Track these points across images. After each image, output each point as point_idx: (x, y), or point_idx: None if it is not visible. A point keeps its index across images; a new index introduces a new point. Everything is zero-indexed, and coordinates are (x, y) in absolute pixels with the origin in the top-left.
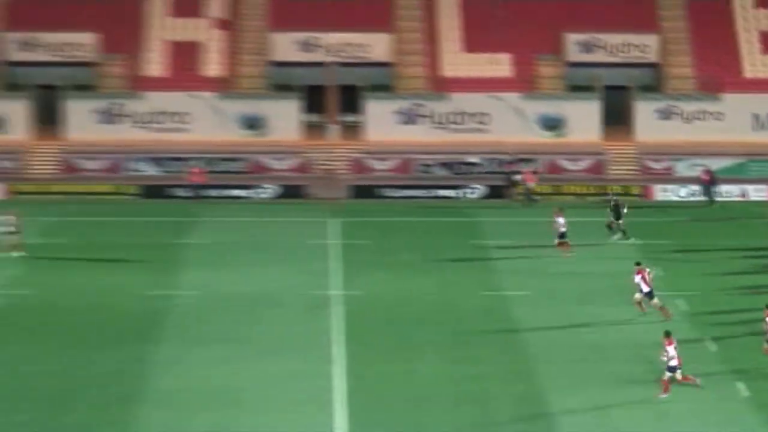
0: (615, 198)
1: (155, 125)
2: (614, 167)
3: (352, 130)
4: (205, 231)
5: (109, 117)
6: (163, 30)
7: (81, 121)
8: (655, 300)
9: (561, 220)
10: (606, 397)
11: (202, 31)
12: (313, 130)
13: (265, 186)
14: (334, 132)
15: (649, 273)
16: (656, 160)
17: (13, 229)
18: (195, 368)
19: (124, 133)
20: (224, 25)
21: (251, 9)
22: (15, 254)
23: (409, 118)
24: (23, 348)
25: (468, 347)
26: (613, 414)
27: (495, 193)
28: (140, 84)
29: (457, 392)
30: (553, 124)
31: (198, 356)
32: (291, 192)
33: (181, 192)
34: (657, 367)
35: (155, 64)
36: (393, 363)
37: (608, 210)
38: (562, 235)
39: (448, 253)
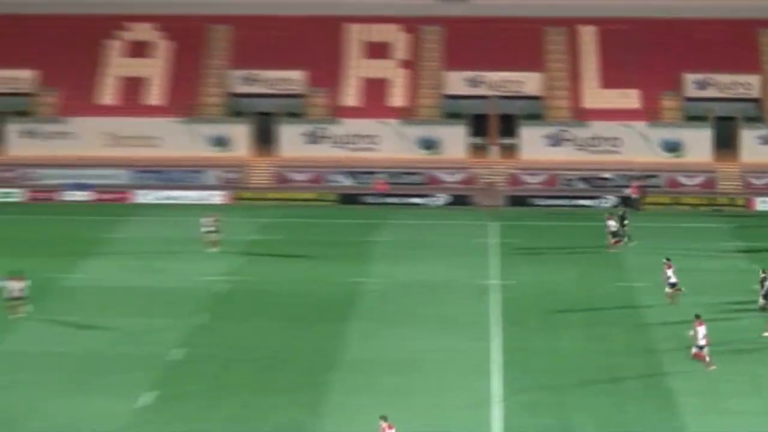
0: (623, 210)
1: (350, 145)
2: (723, 183)
3: (509, 151)
4: (390, 231)
5: (314, 138)
6: (358, 69)
7: (291, 141)
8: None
9: (611, 222)
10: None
11: (389, 69)
12: (477, 150)
13: (438, 195)
14: (494, 152)
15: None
16: (757, 178)
17: (212, 228)
18: (382, 341)
19: (326, 152)
20: (407, 65)
21: (429, 52)
22: (214, 250)
23: (556, 141)
24: (244, 324)
25: (601, 327)
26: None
27: (624, 203)
28: (339, 112)
29: (591, 364)
30: (673, 147)
31: (384, 332)
32: (458, 200)
33: (370, 199)
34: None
35: (351, 96)
36: (540, 340)
37: (616, 219)
38: (614, 234)
39: (586, 251)
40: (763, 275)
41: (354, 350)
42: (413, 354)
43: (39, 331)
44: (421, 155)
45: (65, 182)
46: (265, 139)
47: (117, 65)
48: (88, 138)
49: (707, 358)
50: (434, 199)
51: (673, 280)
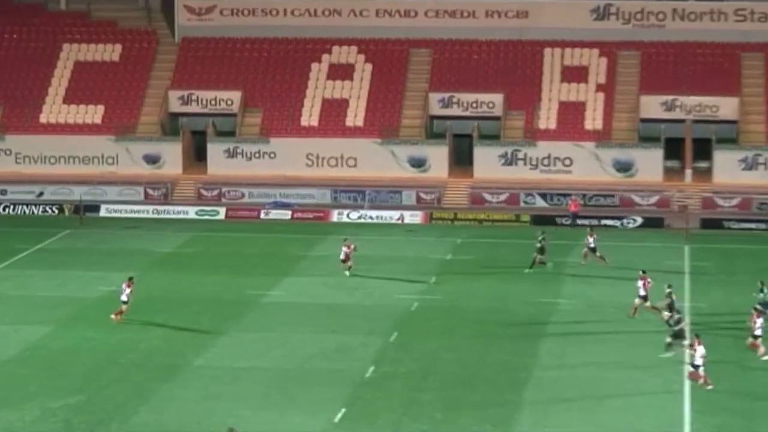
0: (543, 237)
1: (545, 167)
2: None
3: (703, 174)
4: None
5: (510, 160)
6: (555, 92)
7: (487, 163)
8: (648, 303)
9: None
10: None
11: (586, 93)
12: (671, 173)
13: (632, 218)
14: (688, 175)
15: (649, 282)
16: None
17: (343, 257)
18: (572, 360)
19: (521, 173)
20: (604, 89)
21: (626, 77)
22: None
23: (751, 165)
24: (435, 341)
25: None
26: None
27: None
28: (535, 135)
29: None
30: None
31: (574, 350)
32: (651, 223)
33: (562, 221)
34: None
35: (547, 119)
36: (730, 361)
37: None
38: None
39: None
40: (668, 290)
41: (544, 368)
42: (603, 372)
43: (237, 346)
44: (616, 178)
45: (266, 201)
46: (461, 160)
47: (320, 87)
48: (290, 157)
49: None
50: (627, 221)
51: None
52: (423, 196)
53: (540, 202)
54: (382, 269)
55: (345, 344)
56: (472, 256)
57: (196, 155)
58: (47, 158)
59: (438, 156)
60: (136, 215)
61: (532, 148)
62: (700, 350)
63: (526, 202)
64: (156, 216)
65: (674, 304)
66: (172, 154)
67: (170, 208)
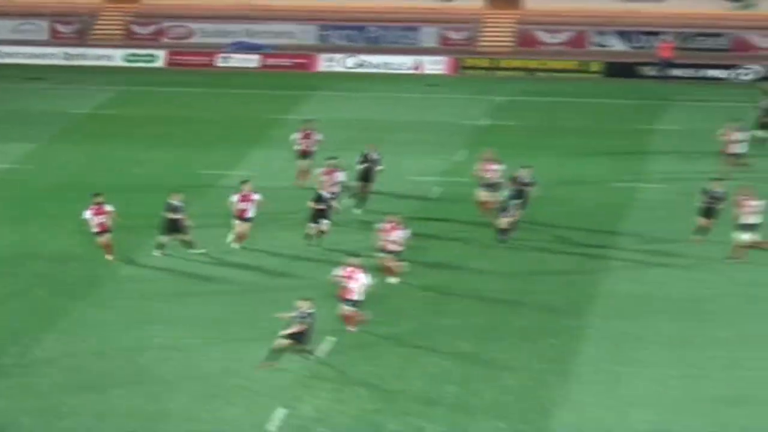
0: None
1: None
2: None
3: None
4: (676, 115)
5: None
6: None
7: None
8: None
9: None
10: None
11: None
12: None
13: (748, 66)
14: None
15: None
16: None
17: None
18: (657, 274)
19: (589, 3)
20: None
21: None
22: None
23: None
24: (464, 244)
25: None
26: None
27: None
28: None
29: None
30: None
31: (656, 260)
32: None
33: (650, 71)
34: None
35: None
36: None
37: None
38: None
39: None
40: None
41: (616, 284)
42: (701, 291)
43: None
44: (726, 10)
45: (224, 42)
46: None
47: None
48: None
49: None
50: (742, 71)
51: None
52: (450, 34)
53: (617, 44)
54: (390, 140)
55: (337, 243)
56: (520, 121)
57: None
58: None
59: None
60: (39, 61)
61: None
62: None
63: (597, 44)
64: (67, 62)
65: None
66: None
67: (87, 51)
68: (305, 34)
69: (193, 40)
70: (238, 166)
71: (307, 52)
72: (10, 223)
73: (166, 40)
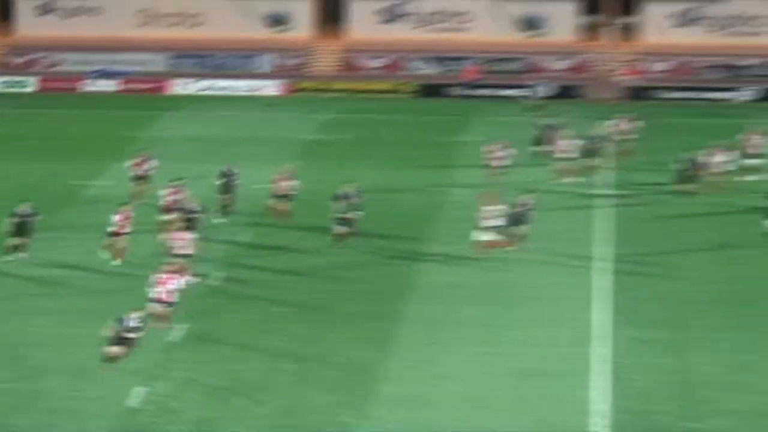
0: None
1: (435, 26)
2: None
3: (628, 32)
4: (478, 129)
5: (392, 16)
6: None
7: (363, 19)
8: None
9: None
10: None
11: None
12: (589, 31)
13: (540, 86)
14: (610, 33)
15: None
16: None
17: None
18: (464, 265)
19: (405, 33)
20: None
21: None
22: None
23: (686, 21)
24: (298, 239)
25: (733, 250)
26: None
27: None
28: None
29: (719, 294)
30: None
31: (462, 254)
32: (565, 92)
33: (457, 91)
34: None
35: None
36: (654, 264)
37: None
38: None
39: None
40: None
41: (432, 274)
42: (504, 279)
43: (53, 249)
44: (521, 37)
45: (88, 69)
46: (331, 17)
47: None
48: (119, 14)
49: None
50: (534, 90)
51: None
52: (284, 61)
53: (428, 68)
54: (233, 153)
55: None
56: (345, 135)
57: (1, 13)
58: None
59: (301, 12)
60: None
61: (419, 0)
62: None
63: (411, 69)
64: None
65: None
66: None
67: None
68: (158, 62)
69: (62, 68)
70: (101, 177)
71: (159, 78)
72: None
73: (37, 68)
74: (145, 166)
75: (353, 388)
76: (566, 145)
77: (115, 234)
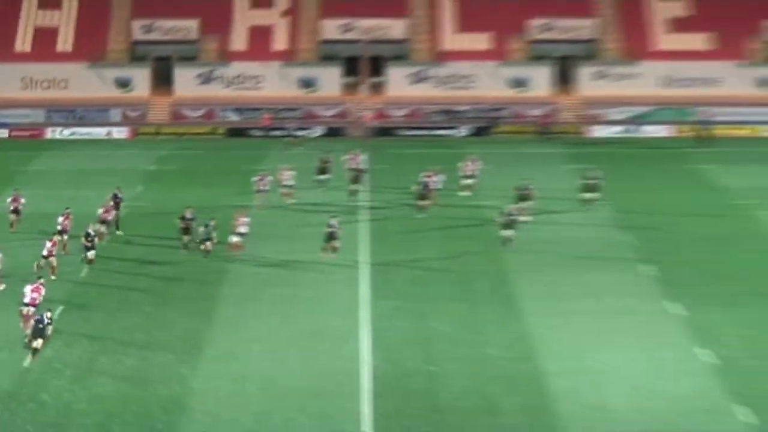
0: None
1: (238, 85)
2: (563, 113)
3: (377, 88)
4: (273, 160)
5: (206, 79)
6: (245, 18)
7: (186, 82)
8: None
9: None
10: None
11: (273, 18)
12: (349, 88)
13: (315, 128)
14: (365, 89)
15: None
16: (593, 109)
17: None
18: (267, 256)
19: (217, 91)
20: (288, 13)
21: (308, 3)
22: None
23: (418, 79)
24: (145, 245)
25: (456, 242)
26: None
27: (477, 132)
28: (228, 56)
29: (447, 275)
30: (519, 83)
31: (269, 247)
32: (333, 132)
33: (256, 132)
34: None
35: (239, 42)
36: (402, 254)
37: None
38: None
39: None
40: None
41: (241, 264)
42: (293, 268)
43: None
44: (300, 93)
45: None
46: (163, 80)
47: (31, 16)
48: (6, 81)
49: None
50: (312, 131)
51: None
52: (129, 113)
53: (234, 117)
54: (94, 182)
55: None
56: (175, 166)
57: None
58: None
59: (141, 77)
60: None
61: (226, 67)
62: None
63: (222, 117)
64: None
65: None
66: None
67: None
68: (37, 116)
69: None
70: None
71: (38, 127)
72: None
73: None
74: (19, 201)
75: (188, 349)
76: (288, 175)
77: (47, 256)
